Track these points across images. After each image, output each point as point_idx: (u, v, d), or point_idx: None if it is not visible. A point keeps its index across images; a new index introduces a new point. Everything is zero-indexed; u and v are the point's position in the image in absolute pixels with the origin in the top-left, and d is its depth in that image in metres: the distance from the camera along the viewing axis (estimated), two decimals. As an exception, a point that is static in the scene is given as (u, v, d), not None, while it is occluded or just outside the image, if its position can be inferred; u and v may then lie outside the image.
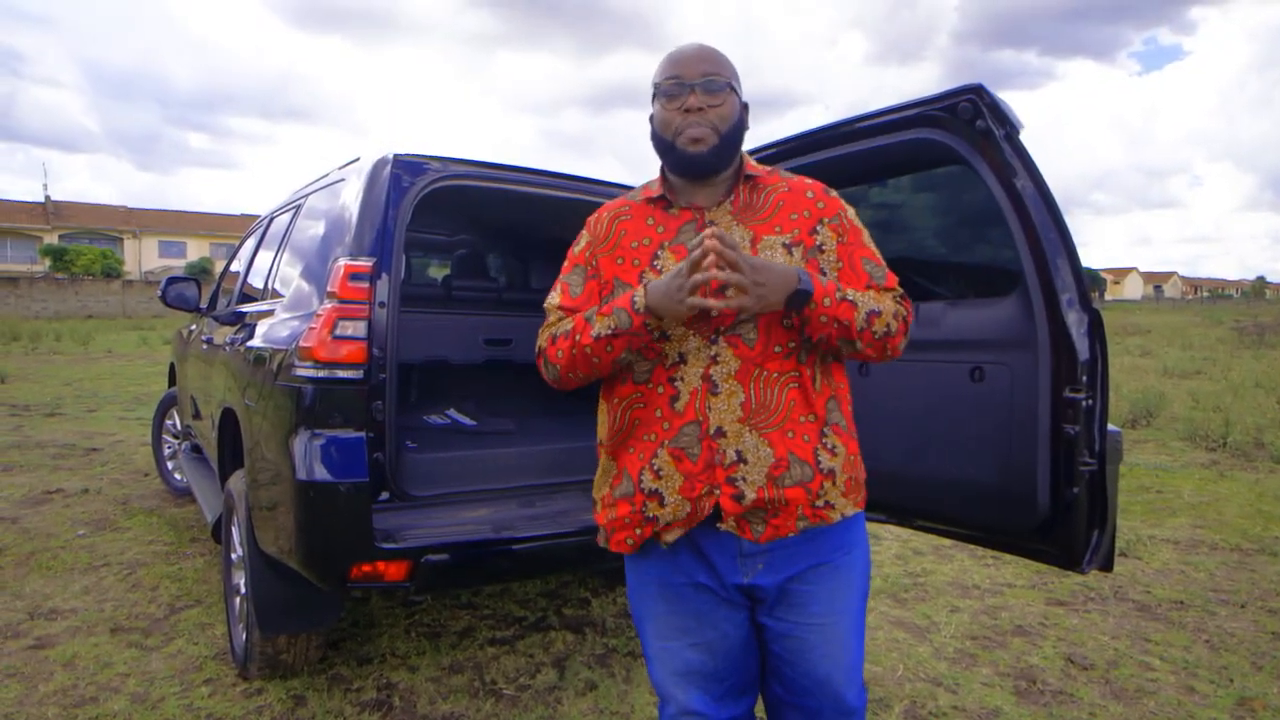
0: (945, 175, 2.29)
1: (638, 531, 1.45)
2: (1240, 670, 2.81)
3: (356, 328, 2.15)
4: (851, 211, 1.51)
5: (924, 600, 3.42)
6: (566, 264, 1.56)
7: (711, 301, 1.27)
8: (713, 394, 1.38)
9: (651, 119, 1.48)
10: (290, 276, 2.78)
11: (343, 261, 2.22)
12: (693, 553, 1.46)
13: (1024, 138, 1.91)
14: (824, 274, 1.43)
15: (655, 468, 1.41)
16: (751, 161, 1.50)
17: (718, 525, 1.41)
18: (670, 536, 1.43)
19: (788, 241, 1.42)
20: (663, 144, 1.45)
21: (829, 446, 1.42)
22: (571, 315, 1.47)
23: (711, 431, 1.38)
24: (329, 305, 2.17)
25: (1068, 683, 2.72)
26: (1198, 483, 5.48)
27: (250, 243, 3.98)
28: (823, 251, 1.44)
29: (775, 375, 1.39)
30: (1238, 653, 2.94)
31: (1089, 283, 1.87)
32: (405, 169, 2.39)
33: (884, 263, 1.49)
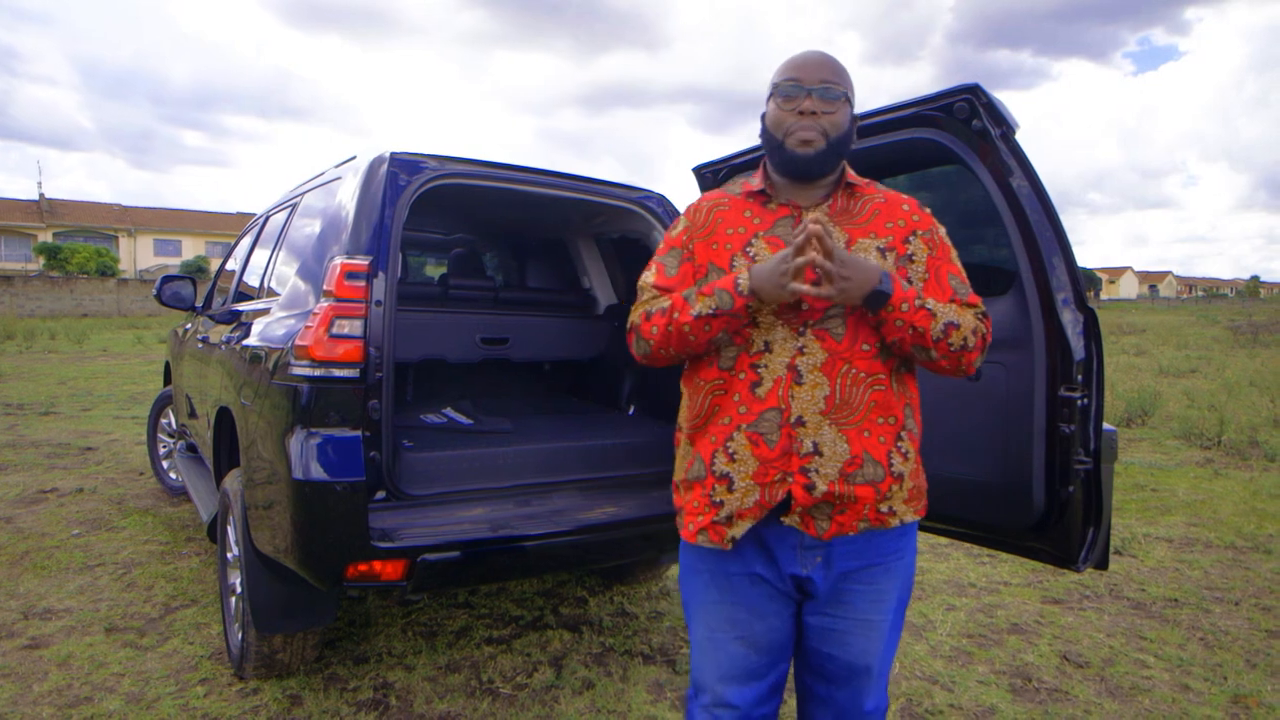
0: (941, 175, 2.29)
1: (700, 518, 1.49)
2: (1235, 668, 2.82)
3: (353, 326, 2.14)
4: (943, 230, 1.56)
5: (920, 599, 3.43)
6: (663, 246, 1.61)
7: (806, 287, 1.32)
8: (797, 383, 1.42)
9: (764, 117, 1.53)
10: (286, 275, 2.77)
11: (339, 260, 2.22)
12: (754, 543, 1.49)
13: (1019, 137, 1.91)
14: (911, 282, 1.46)
15: (730, 451, 1.45)
16: (852, 172, 1.55)
17: (782, 519, 1.44)
18: (738, 530, 1.45)
19: (882, 246, 1.47)
20: (772, 141, 1.50)
21: (902, 451, 1.45)
22: (664, 294, 1.53)
23: (792, 420, 1.41)
24: (325, 304, 2.17)
25: (1063, 680, 2.73)
26: (1192, 481, 5.50)
27: (246, 241, 3.97)
28: (913, 261, 1.48)
29: (862, 375, 1.42)
30: (1232, 650, 2.95)
31: (1084, 282, 1.88)
32: (402, 167, 2.39)
33: (968, 281, 1.54)
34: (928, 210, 1.55)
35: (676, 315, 1.45)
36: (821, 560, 1.47)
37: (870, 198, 1.53)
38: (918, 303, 1.38)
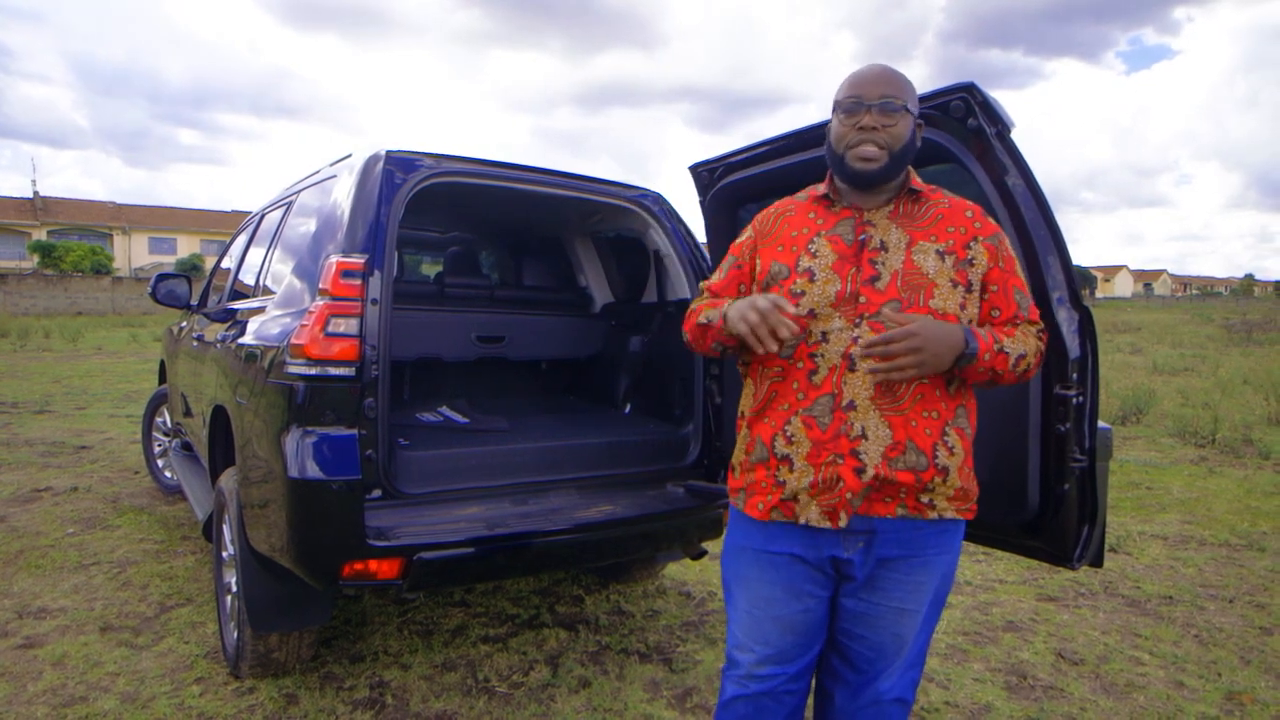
0: (936, 174, 2.29)
1: (769, 497, 1.55)
2: (1229, 664, 2.83)
3: (349, 325, 2.14)
4: (1008, 240, 1.60)
5: (916, 596, 3.44)
6: (729, 253, 1.74)
7: (744, 328, 1.44)
8: (850, 370, 1.47)
9: (828, 130, 1.60)
10: (282, 273, 2.77)
11: (335, 258, 2.21)
12: (799, 526, 1.54)
13: (1014, 136, 1.91)
14: (970, 286, 1.51)
15: (788, 434, 1.52)
16: (917, 178, 1.60)
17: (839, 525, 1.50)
18: (807, 515, 1.51)
19: (941, 249, 1.51)
20: (835, 156, 1.57)
21: (949, 445, 1.49)
22: (710, 296, 1.70)
23: (844, 404, 1.47)
24: (321, 302, 2.16)
25: (1058, 678, 2.74)
26: (1187, 479, 5.52)
27: (241, 239, 3.96)
28: (973, 265, 1.53)
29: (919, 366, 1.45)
30: (1226, 647, 2.96)
31: (1079, 280, 1.88)
32: (398, 165, 2.39)
33: (1030, 293, 1.59)
34: (991, 219, 1.59)
35: (695, 318, 1.64)
36: (863, 545, 1.52)
37: (935, 203, 1.57)
38: (996, 348, 1.45)
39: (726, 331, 1.51)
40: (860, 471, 1.45)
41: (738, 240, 1.72)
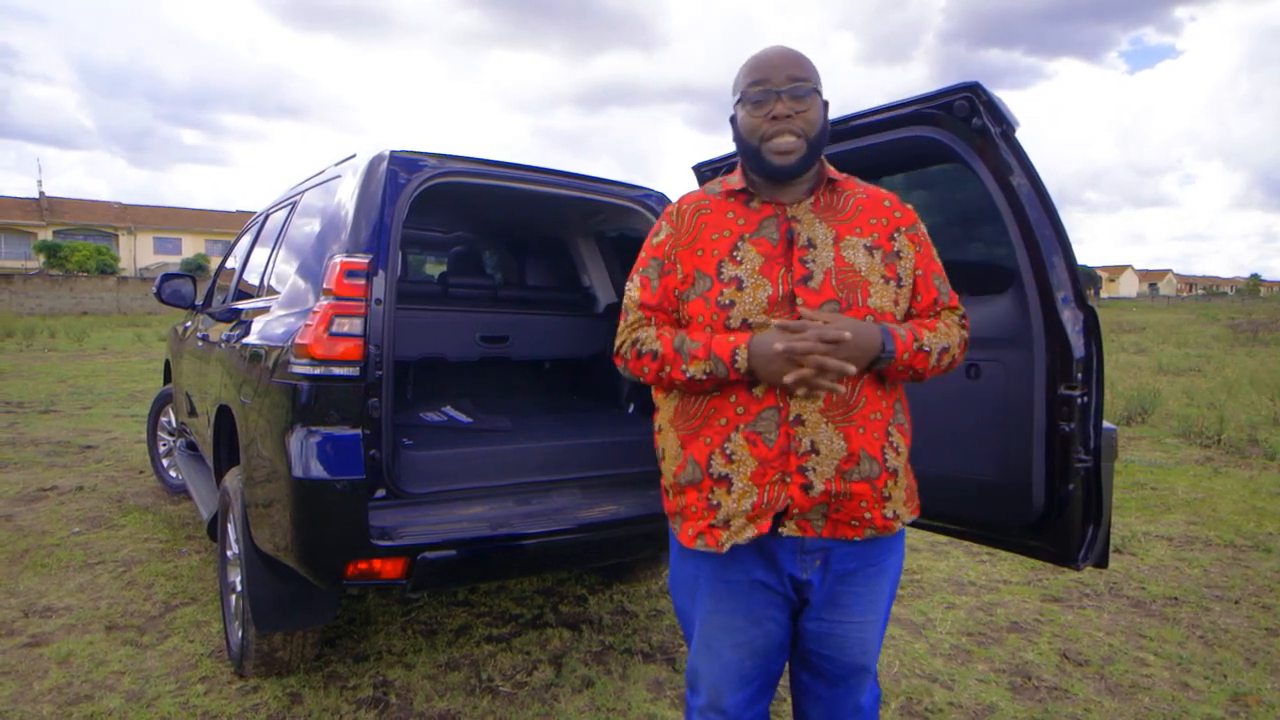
0: (940, 173, 2.29)
1: (698, 522, 1.46)
2: (1234, 666, 2.82)
3: (353, 325, 2.14)
4: (924, 225, 1.54)
5: (920, 597, 3.43)
6: (644, 255, 1.56)
7: (806, 373, 1.31)
8: None
9: (734, 121, 1.50)
10: (286, 273, 2.77)
11: (339, 258, 2.22)
12: (754, 548, 1.46)
13: (1017, 136, 1.91)
14: (900, 280, 1.46)
15: (727, 451, 1.41)
16: (830, 166, 1.53)
17: (779, 531, 1.43)
18: (738, 536, 1.42)
19: (869, 244, 1.45)
20: (748, 149, 1.46)
21: (894, 444, 1.45)
22: (651, 316, 1.50)
23: (790, 418, 1.39)
24: (325, 302, 2.17)
25: (1063, 679, 2.73)
26: (1192, 479, 5.50)
27: (246, 239, 3.97)
28: (900, 258, 1.47)
29: (855, 371, 1.40)
30: (1232, 648, 2.95)
31: (1084, 280, 1.87)
32: (402, 165, 2.39)
33: (948, 280, 1.54)
34: (909, 205, 1.54)
35: (668, 369, 1.43)
36: (821, 563, 1.47)
37: (852, 193, 1.51)
38: (915, 346, 1.40)
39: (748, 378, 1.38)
40: (808, 489, 1.38)
41: (655, 239, 1.54)
